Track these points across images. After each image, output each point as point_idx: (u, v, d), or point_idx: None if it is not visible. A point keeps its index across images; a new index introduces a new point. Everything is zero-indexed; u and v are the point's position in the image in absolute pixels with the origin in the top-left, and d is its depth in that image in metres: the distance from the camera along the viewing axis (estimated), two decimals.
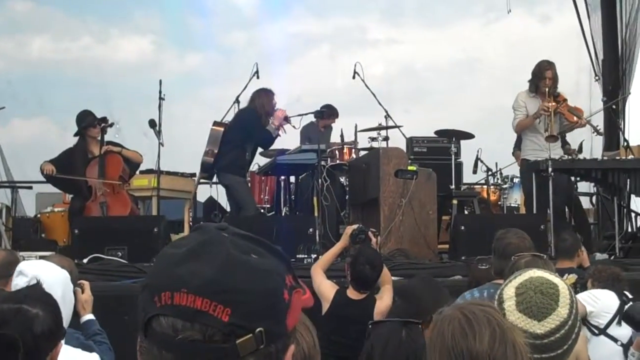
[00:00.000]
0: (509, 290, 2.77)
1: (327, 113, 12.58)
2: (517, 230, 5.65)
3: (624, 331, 6.23)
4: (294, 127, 11.01)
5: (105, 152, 10.30)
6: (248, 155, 10.83)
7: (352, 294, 6.30)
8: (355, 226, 7.10)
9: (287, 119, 10.73)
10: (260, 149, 11.33)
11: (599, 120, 13.22)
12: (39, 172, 10.28)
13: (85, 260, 8.80)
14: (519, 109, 10.40)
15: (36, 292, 3.26)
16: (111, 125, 10.52)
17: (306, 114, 11.75)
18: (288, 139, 11.60)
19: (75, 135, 10.51)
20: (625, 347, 6.23)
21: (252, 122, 10.69)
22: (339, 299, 6.29)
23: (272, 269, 1.37)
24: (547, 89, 10.11)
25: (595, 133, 10.73)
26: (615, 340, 6.29)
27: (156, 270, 1.38)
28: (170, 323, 1.31)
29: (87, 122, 10.37)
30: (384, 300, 6.30)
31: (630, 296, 6.39)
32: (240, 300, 1.32)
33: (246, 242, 1.39)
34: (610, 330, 6.31)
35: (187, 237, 1.41)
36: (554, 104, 10.10)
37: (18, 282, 3.66)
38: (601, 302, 6.28)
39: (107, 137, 10.49)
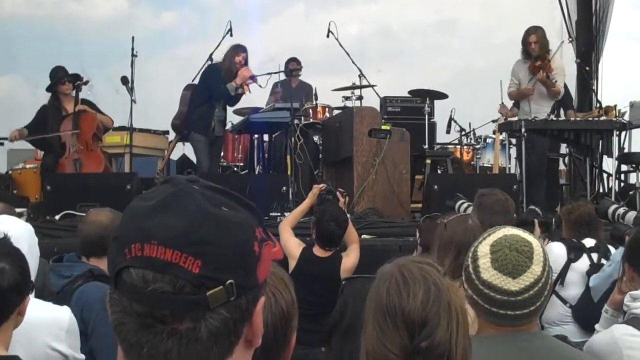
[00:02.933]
0: (484, 248, 2.79)
1: (295, 70, 12.62)
2: (499, 190, 5.70)
3: (571, 292, 6.25)
4: (260, 86, 10.94)
5: (80, 109, 10.24)
6: (218, 111, 10.77)
7: (318, 251, 6.35)
8: (322, 185, 7.12)
9: (252, 78, 10.66)
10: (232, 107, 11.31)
11: (572, 82, 13.32)
12: (9, 129, 10.24)
13: (57, 217, 8.78)
14: (511, 79, 10.72)
15: (2, 246, 3.23)
16: (86, 83, 10.48)
17: (275, 73, 11.72)
18: (262, 98, 11.58)
19: (48, 90, 10.46)
20: (575, 308, 6.23)
21: (209, 78, 10.66)
22: (305, 256, 6.34)
23: (243, 222, 1.37)
24: (533, 55, 10.36)
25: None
26: (564, 301, 6.30)
27: (126, 222, 1.37)
28: (141, 275, 1.31)
29: (57, 78, 10.33)
30: (350, 258, 6.33)
31: (605, 250, 6.28)
32: (211, 252, 1.31)
33: (217, 194, 1.39)
34: (558, 290, 6.25)
35: (157, 189, 1.40)
36: (531, 87, 10.36)
37: None
38: (551, 257, 6.10)
39: (81, 95, 10.43)
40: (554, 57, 10.44)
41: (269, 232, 1.44)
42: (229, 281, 1.32)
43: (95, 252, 4.70)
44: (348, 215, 6.48)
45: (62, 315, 3.80)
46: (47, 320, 3.71)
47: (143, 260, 1.31)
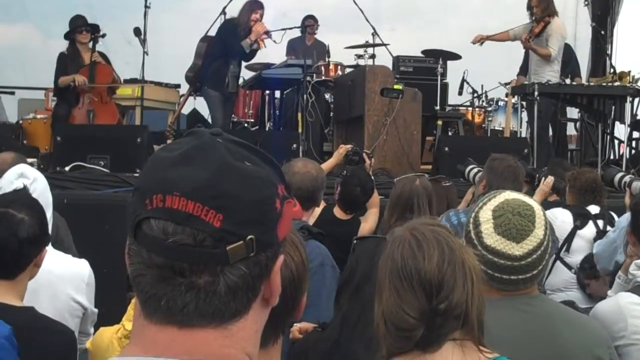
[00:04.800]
0: (486, 213, 2.78)
1: (311, 27, 12.57)
2: (512, 156, 5.71)
3: (576, 258, 6.24)
4: (274, 42, 10.88)
5: (96, 61, 10.22)
6: (233, 67, 10.72)
7: (338, 213, 6.30)
8: (349, 146, 7.08)
9: (267, 34, 10.60)
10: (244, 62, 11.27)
11: (586, 45, 13.24)
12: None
13: (67, 168, 8.79)
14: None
15: (23, 197, 3.25)
16: (103, 35, 10.48)
17: (290, 29, 11.66)
18: (275, 53, 11.52)
19: (65, 38, 10.44)
20: (578, 275, 6.23)
21: (225, 33, 10.62)
22: (325, 216, 6.26)
23: (266, 177, 1.36)
24: (536, 17, 10.42)
25: None
26: (569, 267, 6.29)
27: (148, 173, 1.36)
28: (161, 226, 1.30)
29: (76, 26, 10.32)
30: (367, 223, 6.32)
31: (610, 217, 6.30)
32: (233, 207, 1.31)
33: (240, 149, 1.38)
34: (563, 257, 6.26)
35: (180, 141, 1.39)
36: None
37: (18, 184, 3.64)
38: (556, 223, 6.01)
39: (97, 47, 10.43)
40: (553, 20, 10.39)
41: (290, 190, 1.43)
42: (249, 236, 1.32)
43: (304, 205, 4.56)
44: (374, 182, 6.45)
45: (83, 268, 3.84)
46: (69, 273, 3.76)
47: (164, 212, 1.30)
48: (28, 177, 3.70)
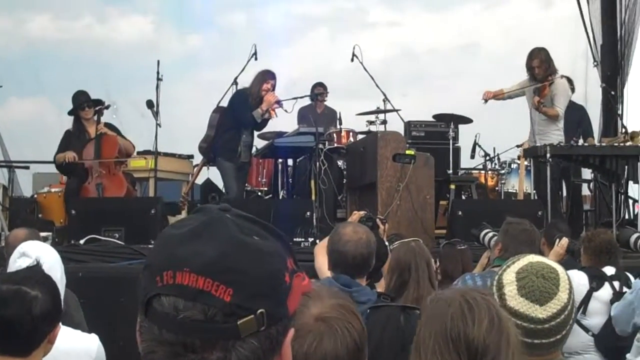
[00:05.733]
0: (509, 276, 2.76)
1: (321, 94, 12.64)
2: (528, 221, 5.71)
3: (593, 320, 6.19)
4: (285, 111, 10.94)
5: (102, 133, 10.29)
6: (246, 137, 10.78)
7: None
8: (362, 213, 7.07)
9: (279, 103, 10.67)
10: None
11: (597, 106, 13.28)
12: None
13: (82, 242, 8.80)
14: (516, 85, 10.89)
15: (36, 274, 3.26)
16: (107, 107, 10.53)
17: (301, 97, 11.71)
18: (286, 122, 11.59)
19: (70, 114, 10.52)
20: (597, 337, 6.16)
21: (236, 104, 10.69)
22: None
23: (274, 251, 1.38)
24: (538, 78, 10.48)
25: None
26: (586, 330, 6.22)
27: (158, 250, 1.38)
28: (172, 302, 1.31)
29: (78, 102, 10.42)
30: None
31: (626, 278, 6.27)
32: (243, 281, 1.32)
33: (249, 223, 1.39)
34: (580, 319, 6.13)
35: (189, 217, 1.41)
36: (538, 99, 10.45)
37: (21, 263, 3.65)
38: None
39: (104, 119, 10.48)
40: (557, 80, 10.43)
41: (299, 265, 1.44)
42: (259, 310, 1.32)
43: (361, 271, 4.57)
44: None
45: (91, 343, 3.82)
46: (76, 349, 3.74)
47: (175, 288, 1.31)
48: (29, 256, 3.71)
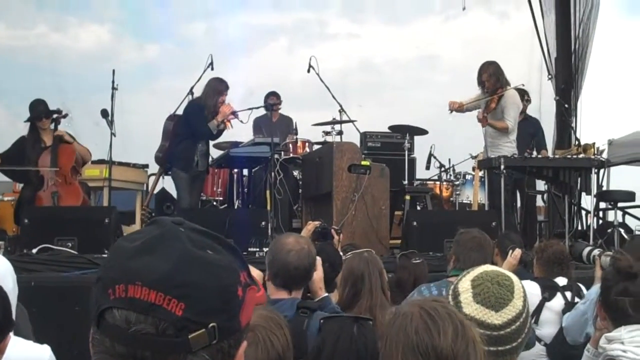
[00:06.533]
0: (464, 284, 2.78)
1: (275, 104, 12.64)
2: (477, 229, 5.87)
3: (545, 330, 6.23)
4: (241, 121, 10.94)
5: (58, 141, 10.20)
6: (202, 145, 10.76)
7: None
8: (317, 223, 7.08)
9: (234, 114, 10.67)
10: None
11: (551, 118, 13.42)
12: None
13: (34, 251, 8.71)
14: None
15: None
16: (65, 116, 10.45)
17: (256, 108, 11.70)
18: (241, 132, 11.57)
19: (26, 121, 10.41)
20: (549, 347, 6.21)
21: (191, 116, 10.66)
22: None
23: (227, 266, 1.38)
24: (487, 91, 10.60)
25: None
26: (539, 339, 6.25)
27: (110, 263, 1.37)
28: (124, 316, 1.31)
29: (36, 113, 10.29)
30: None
31: (578, 289, 6.32)
32: (195, 295, 1.31)
33: (202, 237, 1.39)
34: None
35: (143, 230, 1.41)
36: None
37: None
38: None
39: (60, 127, 10.39)
40: (506, 92, 10.51)
41: (253, 277, 1.44)
42: (211, 324, 1.32)
43: (301, 282, 4.55)
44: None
45: (43, 354, 3.77)
46: (27, 359, 3.68)
47: (126, 301, 1.31)
48: None
